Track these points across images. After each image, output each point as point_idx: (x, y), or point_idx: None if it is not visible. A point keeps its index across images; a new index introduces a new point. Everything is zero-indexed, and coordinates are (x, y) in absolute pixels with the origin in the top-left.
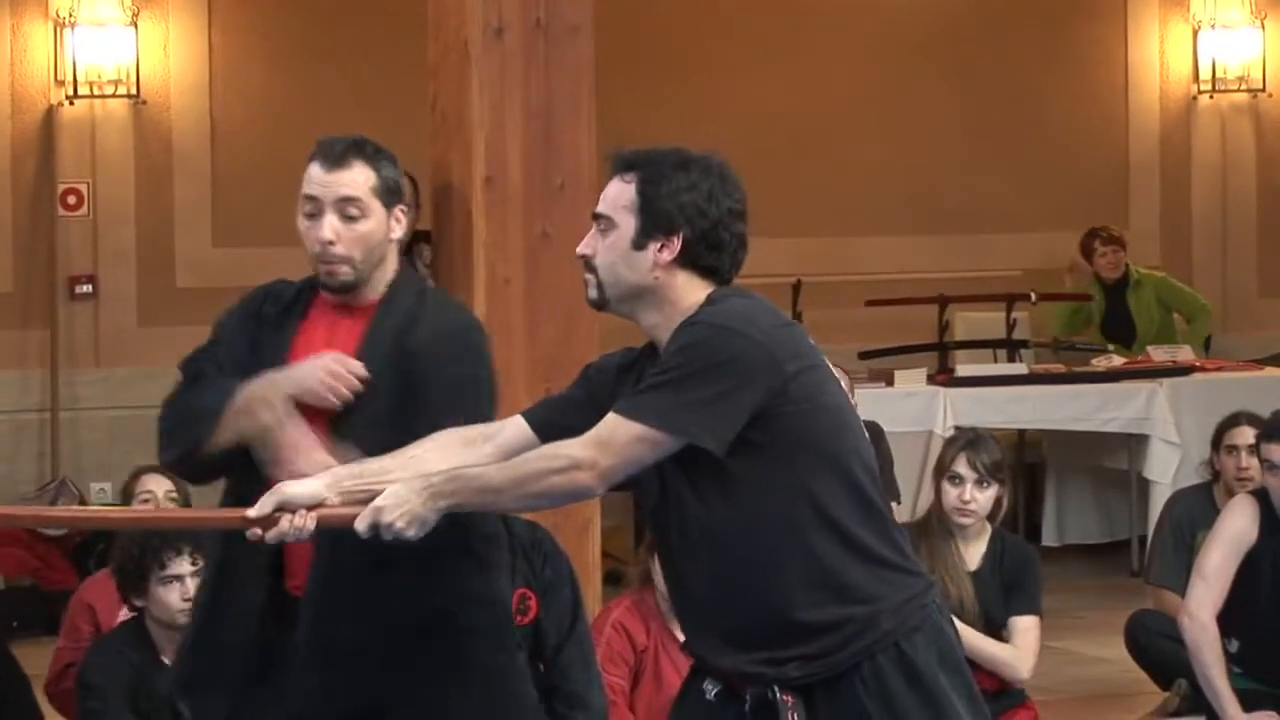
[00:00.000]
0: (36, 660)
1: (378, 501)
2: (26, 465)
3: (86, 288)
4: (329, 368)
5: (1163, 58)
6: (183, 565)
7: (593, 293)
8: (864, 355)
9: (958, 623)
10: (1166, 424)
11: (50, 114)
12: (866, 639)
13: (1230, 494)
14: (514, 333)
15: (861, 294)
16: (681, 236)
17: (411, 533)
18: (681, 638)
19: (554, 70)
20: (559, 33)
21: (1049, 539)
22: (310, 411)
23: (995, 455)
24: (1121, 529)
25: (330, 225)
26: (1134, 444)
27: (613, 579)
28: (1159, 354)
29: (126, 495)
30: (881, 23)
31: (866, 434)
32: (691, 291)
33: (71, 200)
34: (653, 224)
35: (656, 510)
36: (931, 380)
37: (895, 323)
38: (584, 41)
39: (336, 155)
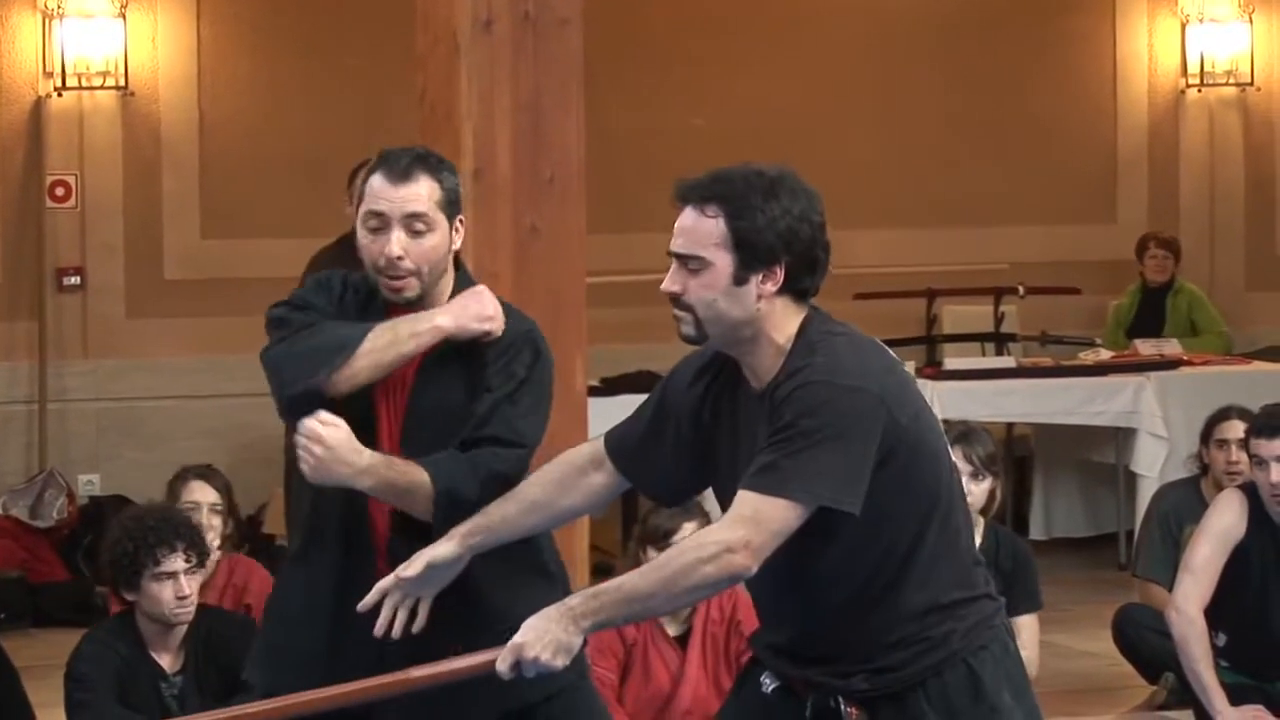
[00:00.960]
0: (26, 652)
1: (517, 639)
2: (14, 457)
3: (74, 279)
4: (484, 310)
5: (1151, 51)
6: (176, 562)
7: (689, 330)
8: None
9: None
10: (1154, 418)
11: (38, 106)
12: (936, 656)
13: (1219, 488)
14: None
15: (849, 287)
16: (784, 264)
17: (559, 662)
18: (671, 632)
19: (543, 63)
20: (548, 25)
21: (1036, 532)
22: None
23: (989, 448)
24: (1109, 523)
25: (398, 241)
26: (1121, 438)
27: (601, 571)
28: (1146, 348)
29: (172, 499)
30: (871, 17)
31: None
32: (788, 318)
33: (59, 192)
34: (753, 257)
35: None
36: (919, 374)
37: (883, 316)
38: (573, 34)
39: (402, 169)
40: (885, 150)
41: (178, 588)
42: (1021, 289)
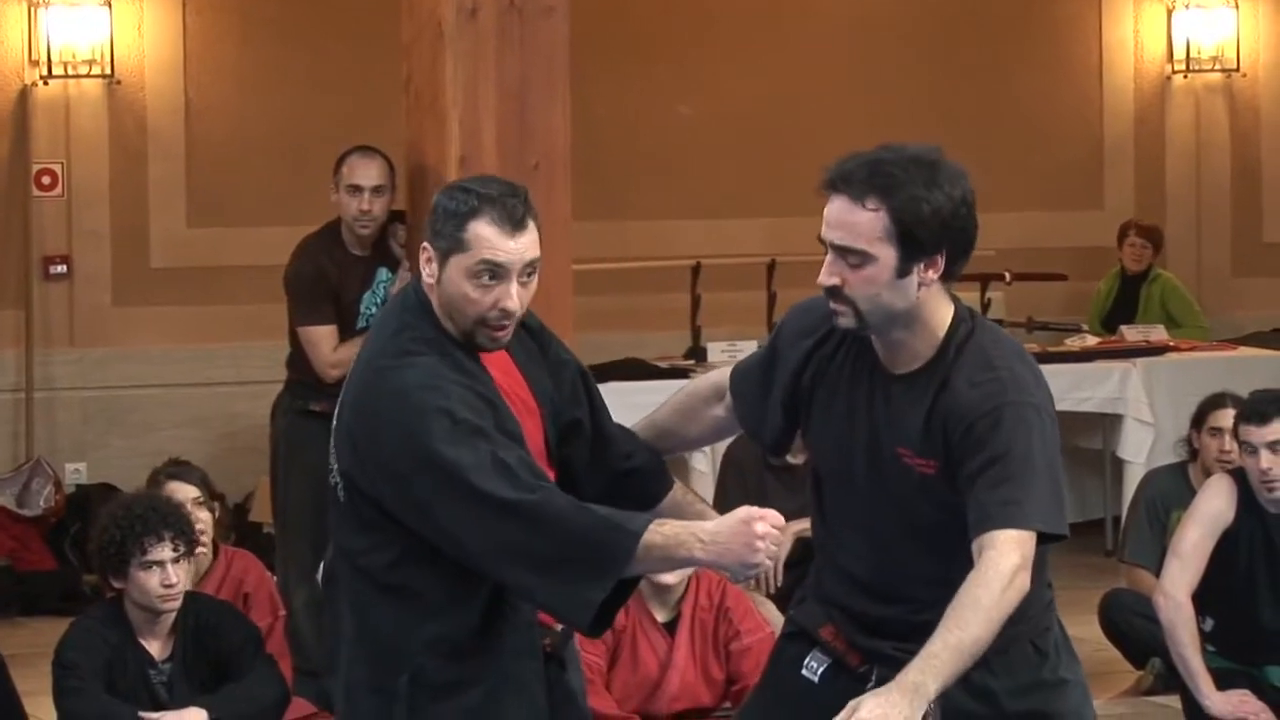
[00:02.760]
0: (13, 641)
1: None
2: (1, 446)
3: (61, 268)
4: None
5: (1137, 37)
6: (164, 551)
7: (848, 322)
8: None
9: None
10: (1140, 404)
11: (24, 94)
12: (1008, 634)
13: (1207, 474)
14: None
15: None
16: (944, 252)
17: None
18: (660, 618)
19: (528, 51)
20: (533, 13)
21: None
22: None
23: None
24: (1095, 508)
25: (516, 294)
26: (1108, 424)
27: None
28: (1133, 334)
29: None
30: (856, 4)
31: None
32: (943, 303)
33: (46, 180)
34: (917, 249)
35: (868, 501)
36: None
37: None
38: (558, 22)
39: (519, 219)
40: (871, 137)
41: (164, 576)
42: (1008, 275)
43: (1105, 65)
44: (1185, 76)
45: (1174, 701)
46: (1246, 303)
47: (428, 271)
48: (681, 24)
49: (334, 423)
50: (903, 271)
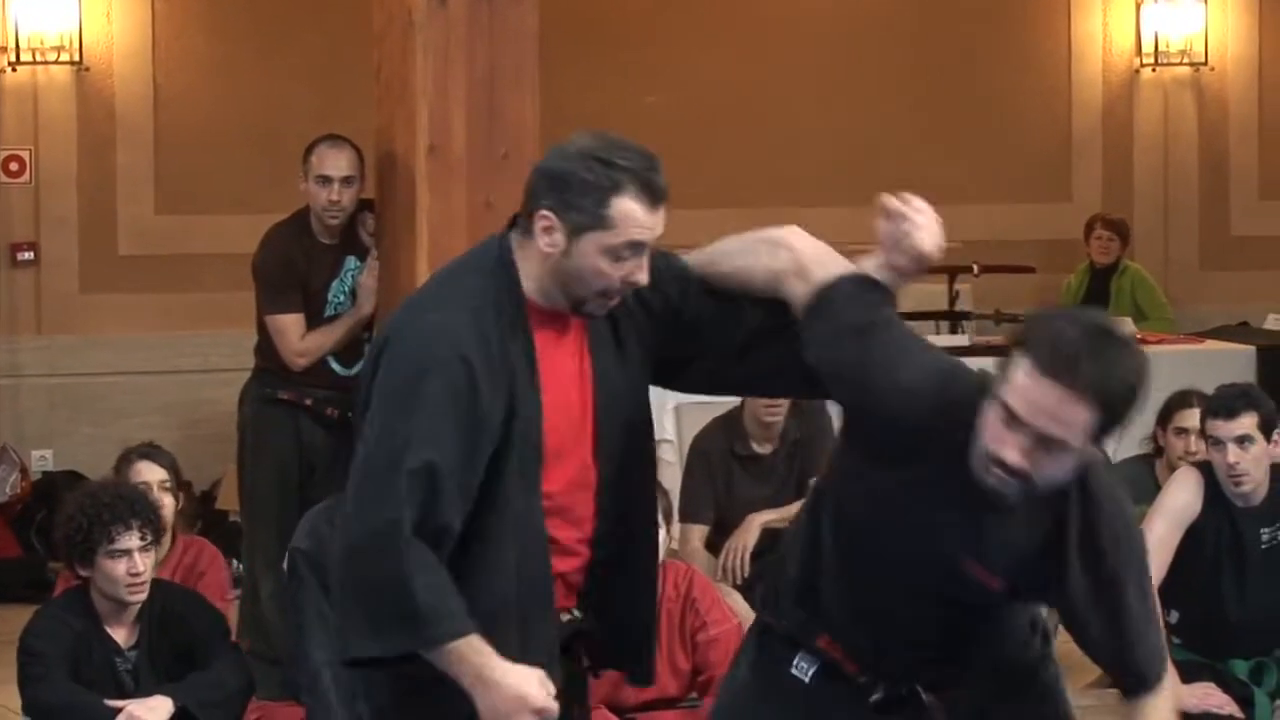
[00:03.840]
0: None
1: None
2: None
3: (28, 255)
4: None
5: (1105, 31)
6: (131, 540)
7: (1013, 493)
8: None
9: None
10: None
11: None
12: (1014, 659)
13: (1172, 470)
14: None
15: None
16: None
17: None
18: None
19: (498, 39)
20: (503, 3)
21: None
22: (570, 449)
23: None
24: None
25: (646, 265)
26: None
27: None
28: None
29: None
30: None
31: None
32: None
33: (13, 167)
34: (1108, 434)
35: (897, 577)
36: None
37: None
38: (528, 10)
39: (661, 192)
40: (839, 128)
41: (131, 565)
42: (976, 267)
43: (1074, 58)
44: (1154, 70)
45: None
46: (1213, 296)
47: (547, 240)
48: (651, 14)
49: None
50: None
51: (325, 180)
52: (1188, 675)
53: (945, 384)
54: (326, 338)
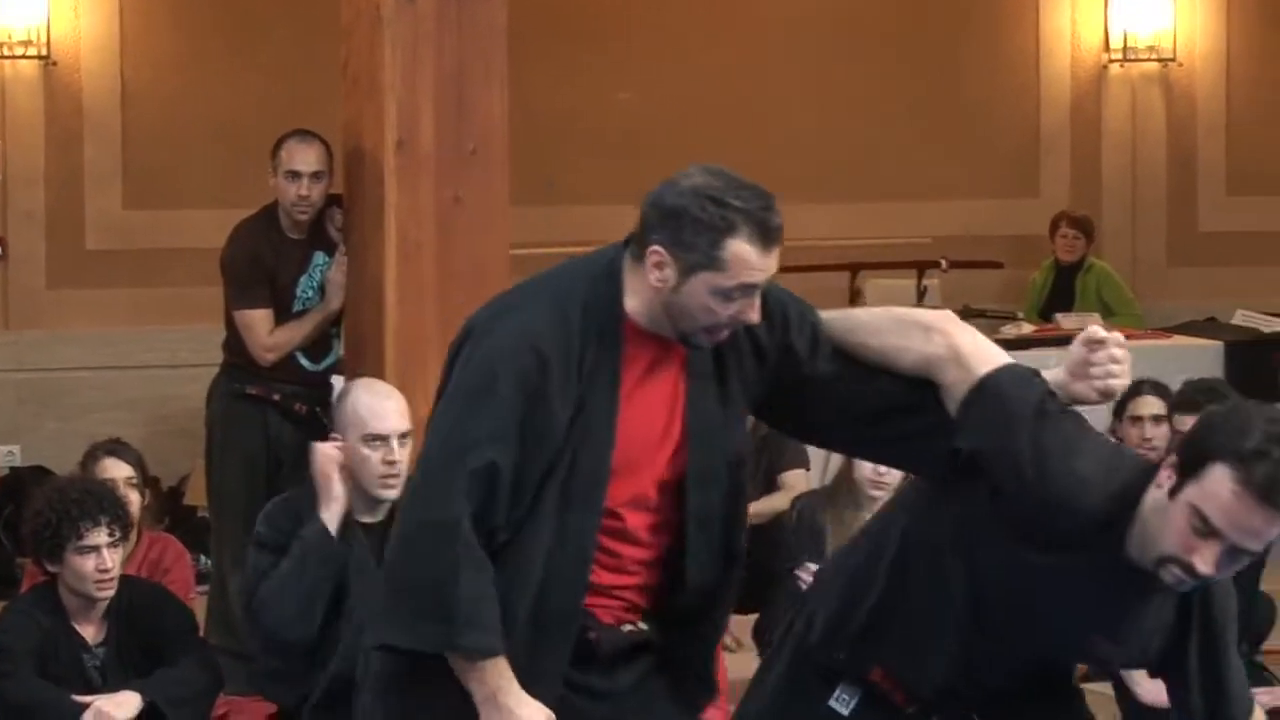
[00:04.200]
0: None
1: None
2: None
3: None
4: None
5: (1074, 26)
6: (99, 536)
7: (1189, 589)
8: None
9: None
10: None
11: None
12: None
13: None
14: (425, 297)
15: None
16: None
17: None
18: None
19: (466, 34)
20: None
21: None
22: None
23: None
24: None
25: (758, 305)
26: None
27: None
28: (1068, 322)
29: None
30: None
31: None
32: None
33: None
34: None
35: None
36: None
37: (807, 290)
38: (497, 7)
39: (775, 233)
40: (809, 124)
41: (100, 561)
42: (944, 262)
43: (1042, 54)
44: (1122, 66)
45: (1107, 689)
46: (1181, 292)
47: (657, 276)
48: (622, 10)
49: None
50: None
51: (294, 175)
52: None
53: (1111, 473)
54: (295, 333)
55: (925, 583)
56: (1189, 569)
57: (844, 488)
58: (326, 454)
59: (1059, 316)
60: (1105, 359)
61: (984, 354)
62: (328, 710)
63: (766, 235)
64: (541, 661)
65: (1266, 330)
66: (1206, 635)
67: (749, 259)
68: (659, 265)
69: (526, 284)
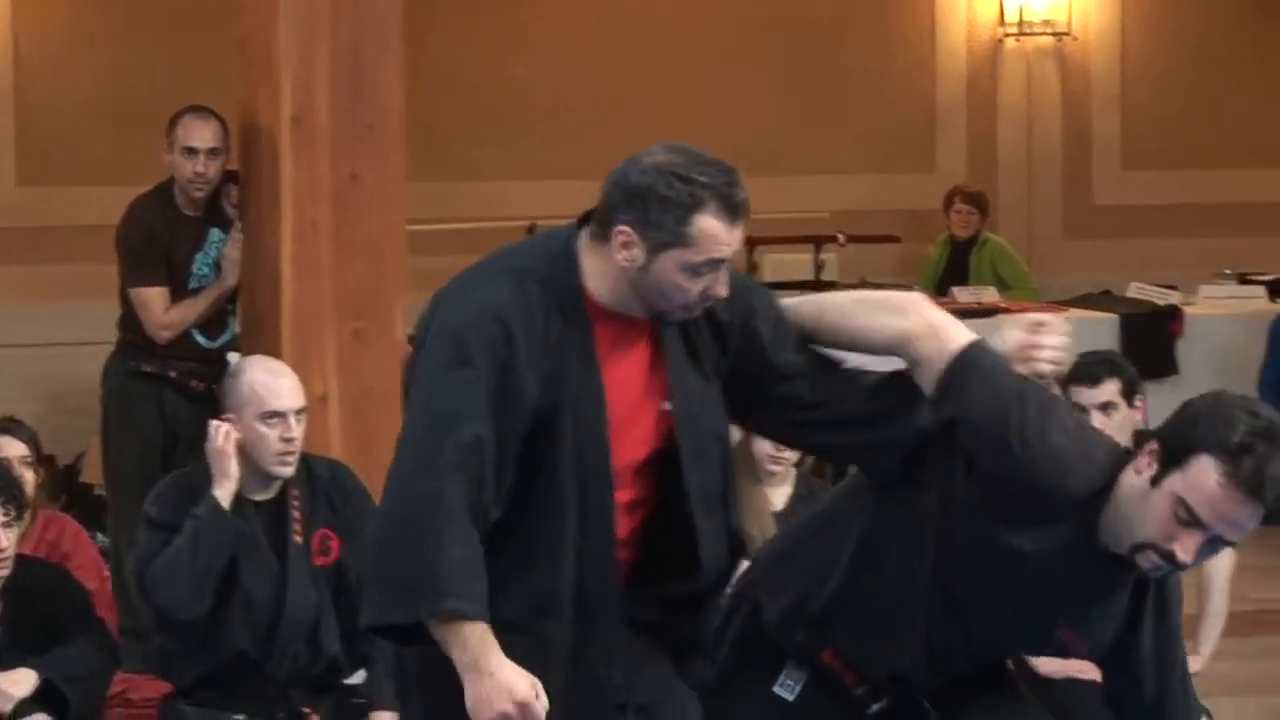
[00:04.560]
0: None
1: None
2: None
3: None
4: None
5: (969, 1)
6: None
7: (1163, 575)
8: None
9: None
10: None
11: None
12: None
13: None
14: (321, 274)
15: None
16: None
17: None
18: None
19: (363, 10)
20: None
21: None
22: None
23: None
24: None
25: (726, 279)
26: None
27: None
28: (964, 296)
29: None
30: None
31: None
32: None
33: None
34: None
35: (969, 620)
36: None
37: None
38: None
39: (741, 206)
40: (705, 99)
41: None
42: (841, 237)
43: (937, 29)
44: (1017, 40)
45: None
46: (1077, 265)
47: (625, 255)
48: None
49: None
50: None
51: (190, 152)
52: None
53: (1087, 451)
54: (190, 310)
55: (891, 569)
56: (1169, 556)
57: (741, 461)
58: (223, 432)
59: (955, 291)
60: (1047, 342)
61: (957, 328)
62: (219, 689)
63: (733, 209)
64: (597, 650)
65: (1161, 302)
66: (1160, 624)
67: (717, 234)
68: (626, 245)
69: (484, 261)
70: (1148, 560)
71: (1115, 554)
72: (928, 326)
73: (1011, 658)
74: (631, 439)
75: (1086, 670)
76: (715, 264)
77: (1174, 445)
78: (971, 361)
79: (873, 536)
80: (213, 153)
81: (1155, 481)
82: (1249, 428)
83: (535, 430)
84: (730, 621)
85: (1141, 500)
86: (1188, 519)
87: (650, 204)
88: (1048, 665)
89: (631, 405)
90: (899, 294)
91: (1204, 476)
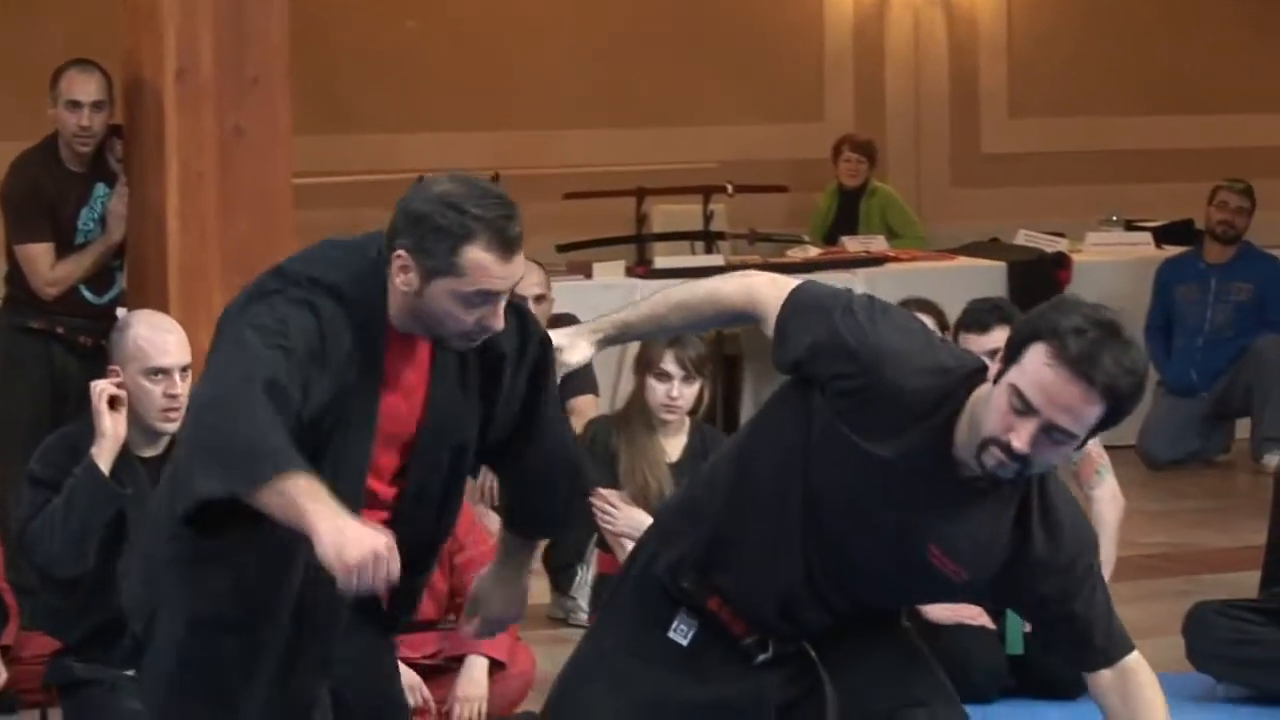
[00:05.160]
0: None
1: None
2: None
3: None
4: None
5: None
6: None
7: (1009, 476)
8: (562, 248)
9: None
10: None
11: None
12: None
13: None
14: (207, 228)
15: (560, 187)
16: None
17: None
18: None
19: None
20: None
21: None
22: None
23: (700, 350)
24: None
25: (501, 312)
26: None
27: None
28: (853, 244)
29: None
30: None
31: None
32: None
33: None
34: (1105, 428)
35: (847, 550)
36: (630, 273)
37: (593, 215)
38: None
39: (514, 241)
40: (593, 50)
41: None
42: (730, 187)
43: None
44: None
45: None
46: (965, 213)
47: (402, 279)
48: None
49: None
50: (1081, 445)
51: (75, 105)
52: None
53: (930, 348)
54: (77, 266)
55: (764, 501)
56: (1006, 448)
57: (636, 412)
58: (101, 389)
59: (844, 240)
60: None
61: (790, 279)
62: (108, 645)
63: (505, 244)
64: (310, 656)
65: (1049, 250)
66: (1056, 566)
67: (487, 266)
68: (404, 269)
69: (296, 268)
70: (992, 457)
71: (971, 468)
72: (766, 277)
73: (893, 597)
74: (392, 449)
75: (976, 616)
76: (487, 295)
77: (1014, 341)
78: (802, 293)
79: (747, 476)
80: (97, 106)
81: (997, 379)
82: (1085, 316)
83: (301, 434)
84: (631, 566)
85: (984, 401)
86: (1021, 407)
87: (425, 231)
88: (938, 612)
89: (402, 417)
90: (728, 274)
91: (1034, 361)
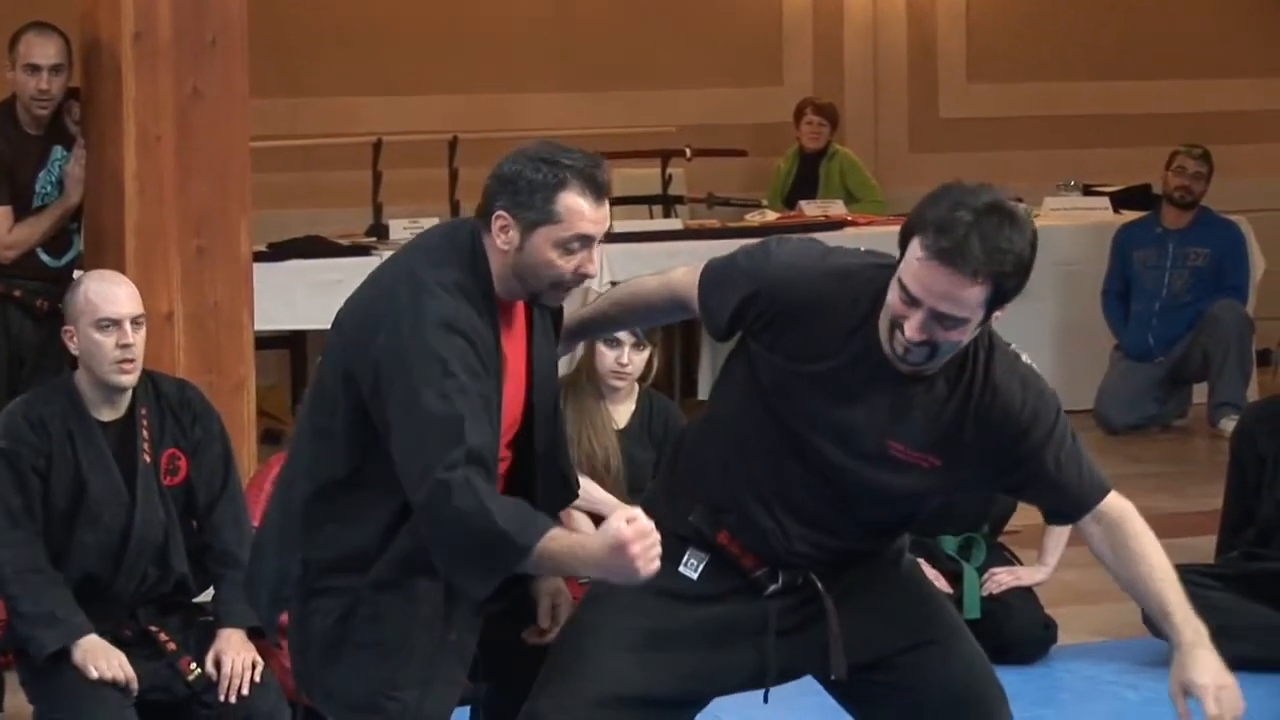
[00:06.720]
0: None
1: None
2: None
3: None
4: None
5: None
6: None
7: (921, 360)
8: None
9: (582, 478)
10: None
11: None
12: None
13: None
14: (165, 190)
15: None
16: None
17: None
18: None
19: None
20: None
21: (705, 394)
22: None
23: None
24: None
25: (596, 258)
26: None
27: (270, 438)
28: (812, 209)
29: None
30: None
31: None
32: None
33: None
34: (1003, 302)
35: (816, 473)
36: None
37: None
38: None
39: (604, 187)
40: (552, 13)
41: None
42: (688, 151)
43: None
44: None
45: None
46: (923, 177)
47: (504, 239)
48: None
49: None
50: (985, 320)
51: (33, 68)
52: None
53: (837, 263)
54: (34, 229)
55: (740, 435)
56: (902, 334)
57: (585, 377)
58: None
59: (803, 204)
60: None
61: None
62: None
63: (597, 188)
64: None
65: None
66: (1016, 440)
67: (582, 209)
68: (504, 229)
69: (401, 270)
70: (899, 345)
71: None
72: (681, 267)
73: (886, 508)
74: (511, 412)
75: (934, 580)
76: (584, 239)
77: (900, 236)
78: (709, 269)
79: (718, 421)
80: (55, 69)
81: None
82: (954, 202)
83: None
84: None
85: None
86: (906, 299)
87: (520, 187)
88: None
89: (515, 381)
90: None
91: (911, 254)
